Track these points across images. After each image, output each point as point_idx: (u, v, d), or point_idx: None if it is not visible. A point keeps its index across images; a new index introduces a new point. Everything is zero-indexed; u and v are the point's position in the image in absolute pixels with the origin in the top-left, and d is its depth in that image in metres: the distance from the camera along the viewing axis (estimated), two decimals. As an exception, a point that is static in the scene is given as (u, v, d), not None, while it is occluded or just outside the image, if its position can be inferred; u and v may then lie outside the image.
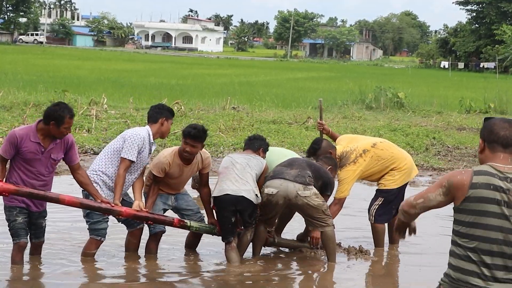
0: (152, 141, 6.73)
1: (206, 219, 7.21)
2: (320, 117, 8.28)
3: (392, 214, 7.75)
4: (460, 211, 3.60)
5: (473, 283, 3.54)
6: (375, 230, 7.74)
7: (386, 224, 7.80)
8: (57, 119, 6.02)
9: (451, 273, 3.65)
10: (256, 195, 6.79)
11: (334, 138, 8.23)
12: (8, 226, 6.28)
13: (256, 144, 7.26)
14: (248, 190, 6.75)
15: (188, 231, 7.27)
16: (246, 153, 7.16)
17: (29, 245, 6.52)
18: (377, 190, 7.78)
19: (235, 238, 6.90)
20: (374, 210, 7.67)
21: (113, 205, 6.41)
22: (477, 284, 3.54)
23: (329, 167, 7.30)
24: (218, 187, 6.82)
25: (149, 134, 6.69)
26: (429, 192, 3.71)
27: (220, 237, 6.96)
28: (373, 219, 7.70)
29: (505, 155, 3.59)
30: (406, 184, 7.80)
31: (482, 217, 3.51)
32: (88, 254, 6.76)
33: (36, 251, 6.63)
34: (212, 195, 6.85)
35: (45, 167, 6.17)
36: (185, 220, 6.87)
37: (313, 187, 6.87)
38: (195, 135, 6.67)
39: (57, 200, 6.15)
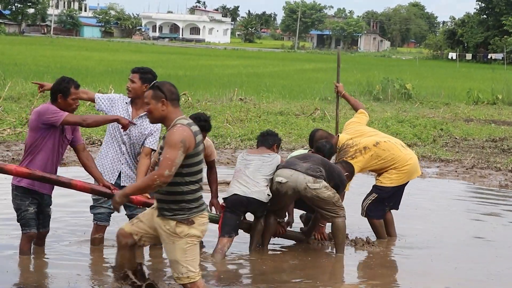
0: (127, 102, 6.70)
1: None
2: (337, 80, 8.42)
3: (385, 210, 7.75)
4: (192, 156, 4.74)
5: (198, 204, 4.85)
6: (372, 224, 7.77)
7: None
8: (62, 91, 6.10)
9: (187, 206, 4.81)
10: (268, 194, 6.83)
11: (352, 105, 8.48)
12: (19, 216, 6.26)
13: (270, 141, 7.22)
14: (259, 191, 6.80)
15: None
16: (260, 152, 7.14)
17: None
18: (373, 186, 7.77)
19: (230, 241, 6.85)
20: (366, 205, 7.68)
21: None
22: (201, 204, 4.89)
23: (346, 173, 7.28)
24: (230, 188, 6.88)
25: (122, 97, 6.78)
26: (174, 158, 4.66)
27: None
28: (364, 213, 7.72)
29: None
30: (404, 184, 7.74)
31: (199, 156, 4.83)
32: (93, 240, 6.82)
33: (41, 240, 6.64)
34: (224, 196, 6.89)
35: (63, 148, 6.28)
36: None
37: (323, 180, 6.88)
38: (206, 128, 6.72)
39: (69, 185, 6.14)
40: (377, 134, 8.07)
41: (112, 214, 6.79)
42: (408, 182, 7.77)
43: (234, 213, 6.81)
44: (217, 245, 6.84)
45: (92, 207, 6.73)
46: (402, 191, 7.82)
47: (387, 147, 7.61)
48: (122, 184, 6.66)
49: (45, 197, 6.36)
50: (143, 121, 6.60)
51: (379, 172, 7.67)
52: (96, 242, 6.81)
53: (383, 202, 7.66)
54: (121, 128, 6.29)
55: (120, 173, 6.69)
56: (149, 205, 6.58)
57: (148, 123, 6.58)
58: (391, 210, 7.87)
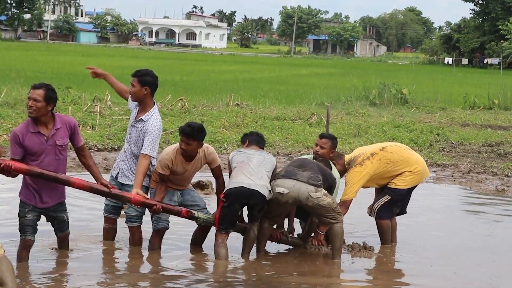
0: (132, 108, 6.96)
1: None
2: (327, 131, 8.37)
3: (394, 212, 7.74)
4: None
5: None
6: (379, 226, 7.72)
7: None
8: None
9: None
10: (270, 191, 6.82)
11: None
12: (19, 222, 6.33)
13: (261, 145, 7.34)
14: (263, 186, 6.77)
15: (194, 229, 7.32)
16: (258, 150, 7.16)
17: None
18: (386, 188, 7.68)
19: (228, 234, 6.89)
20: (378, 206, 7.64)
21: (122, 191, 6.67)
22: None
23: None
24: (233, 180, 6.81)
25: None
26: None
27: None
28: (375, 214, 7.68)
29: None
30: (415, 186, 7.75)
31: None
32: (103, 229, 7.19)
33: (63, 243, 6.73)
34: (226, 188, 6.82)
35: (54, 156, 6.20)
36: (193, 211, 6.90)
37: (323, 188, 6.93)
38: (188, 133, 6.67)
39: (67, 183, 6.20)
40: (383, 143, 8.17)
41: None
42: (417, 185, 7.77)
43: (233, 208, 6.77)
44: (217, 240, 6.83)
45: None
46: (410, 194, 7.82)
47: (394, 150, 7.62)
48: (118, 180, 6.95)
49: (50, 208, 6.38)
50: (139, 123, 6.81)
51: (390, 179, 7.58)
52: (104, 234, 7.14)
53: (394, 204, 7.65)
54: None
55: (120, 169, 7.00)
56: (147, 205, 6.62)
57: (143, 126, 6.78)
58: (398, 216, 7.86)
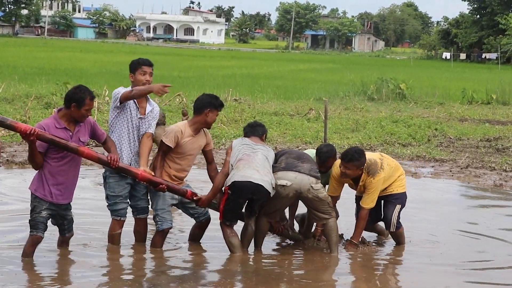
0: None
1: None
2: (324, 131, 8.32)
3: None
4: None
5: None
6: (399, 235, 7.61)
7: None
8: (78, 101, 6.11)
9: None
10: (273, 188, 6.80)
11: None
12: (30, 217, 6.32)
13: (260, 131, 7.28)
14: (268, 181, 6.75)
15: (192, 225, 7.32)
16: (260, 142, 7.12)
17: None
18: (390, 197, 7.49)
19: (232, 226, 6.91)
20: (396, 219, 7.47)
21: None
22: None
23: None
24: (241, 172, 6.74)
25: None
26: None
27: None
28: (395, 228, 7.51)
29: None
30: None
31: None
32: (113, 235, 6.92)
33: (65, 244, 6.77)
34: (233, 180, 6.75)
35: None
36: (198, 194, 6.91)
37: (320, 181, 6.97)
38: (223, 104, 7.00)
39: (76, 151, 6.20)
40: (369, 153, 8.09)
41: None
42: None
43: (237, 201, 6.79)
44: (225, 231, 6.87)
45: (112, 204, 6.80)
46: None
47: (388, 157, 7.64)
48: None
49: (62, 206, 6.40)
50: (150, 112, 6.89)
51: (387, 185, 7.50)
52: (116, 238, 6.92)
53: (401, 210, 7.57)
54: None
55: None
56: (153, 183, 6.61)
57: (152, 111, 6.90)
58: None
